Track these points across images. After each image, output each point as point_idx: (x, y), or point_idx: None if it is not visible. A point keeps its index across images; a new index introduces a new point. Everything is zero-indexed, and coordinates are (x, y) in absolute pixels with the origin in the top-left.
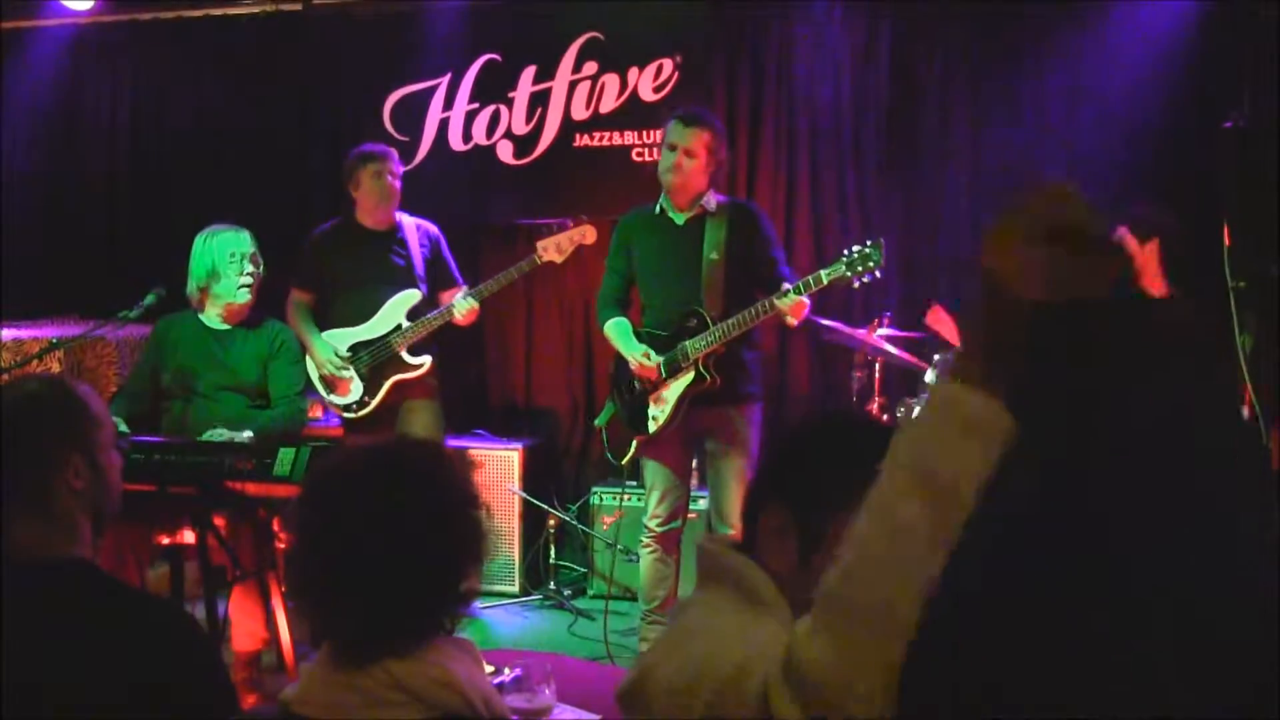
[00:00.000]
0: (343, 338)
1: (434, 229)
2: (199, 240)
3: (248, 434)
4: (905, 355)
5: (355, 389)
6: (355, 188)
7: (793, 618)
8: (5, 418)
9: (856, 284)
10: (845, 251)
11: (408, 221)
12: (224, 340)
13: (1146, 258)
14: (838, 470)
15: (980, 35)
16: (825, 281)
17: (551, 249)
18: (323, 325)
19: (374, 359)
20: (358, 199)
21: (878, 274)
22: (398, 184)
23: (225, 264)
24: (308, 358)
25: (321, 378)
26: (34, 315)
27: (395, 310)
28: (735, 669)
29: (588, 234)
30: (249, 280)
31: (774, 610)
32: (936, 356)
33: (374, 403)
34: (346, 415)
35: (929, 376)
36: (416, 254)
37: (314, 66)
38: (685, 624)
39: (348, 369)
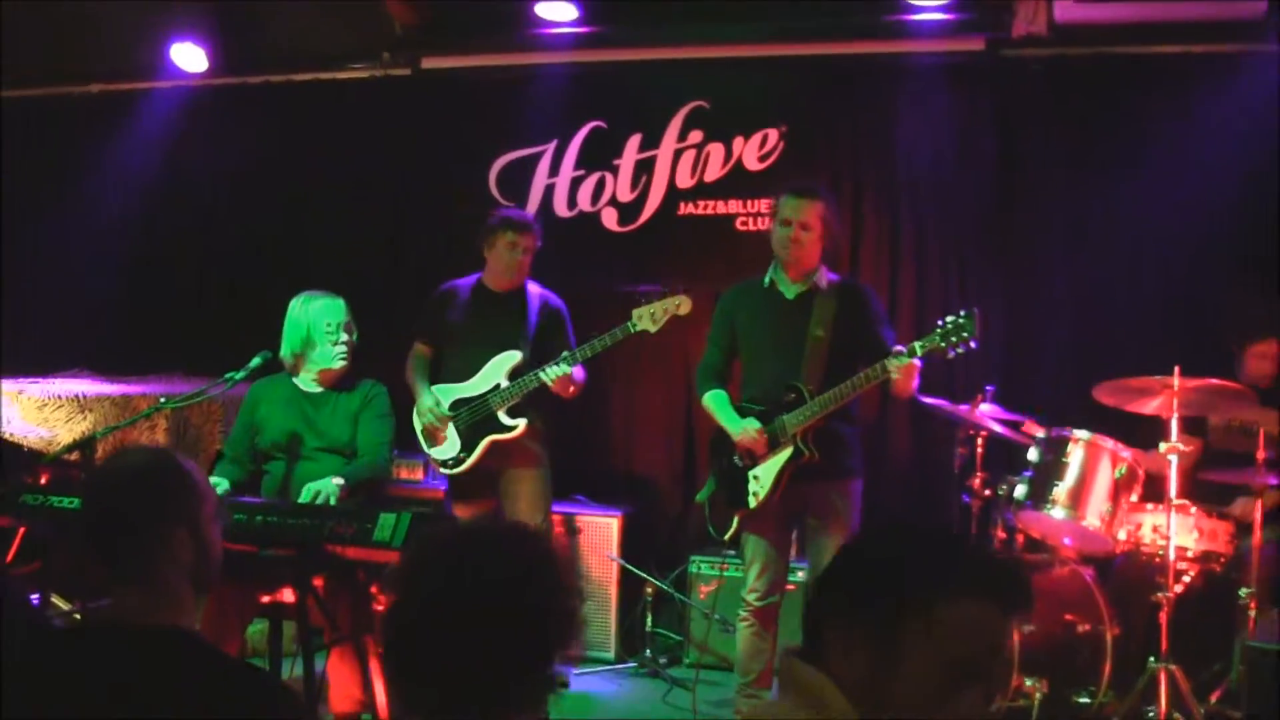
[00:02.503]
0: (447, 393)
1: (557, 300)
2: (294, 305)
3: (339, 480)
4: (1007, 431)
5: (452, 444)
6: (489, 249)
7: None
8: (115, 492)
9: (951, 354)
10: (939, 322)
11: (533, 290)
12: (318, 403)
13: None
14: (902, 586)
15: (1083, 110)
16: (920, 352)
17: (646, 318)
18: (436, 379)
19: (472, 417)
20: (489, 260)
21: (972, 345)
22: (529, 259)
23: (320, 332)
24: (414, 411)
25: (423, 428)
26: (140, 372)
27: (496, 370)
28: None
29: (683, 305)
30: (343, 350)
31: (843, 715)
32: (1039, 434)
33: (470, 460)
34: (444, 471)
35: (1032, 454)
36: (531, 320)
37: (421, 131)
38: None
39: (445, 421)
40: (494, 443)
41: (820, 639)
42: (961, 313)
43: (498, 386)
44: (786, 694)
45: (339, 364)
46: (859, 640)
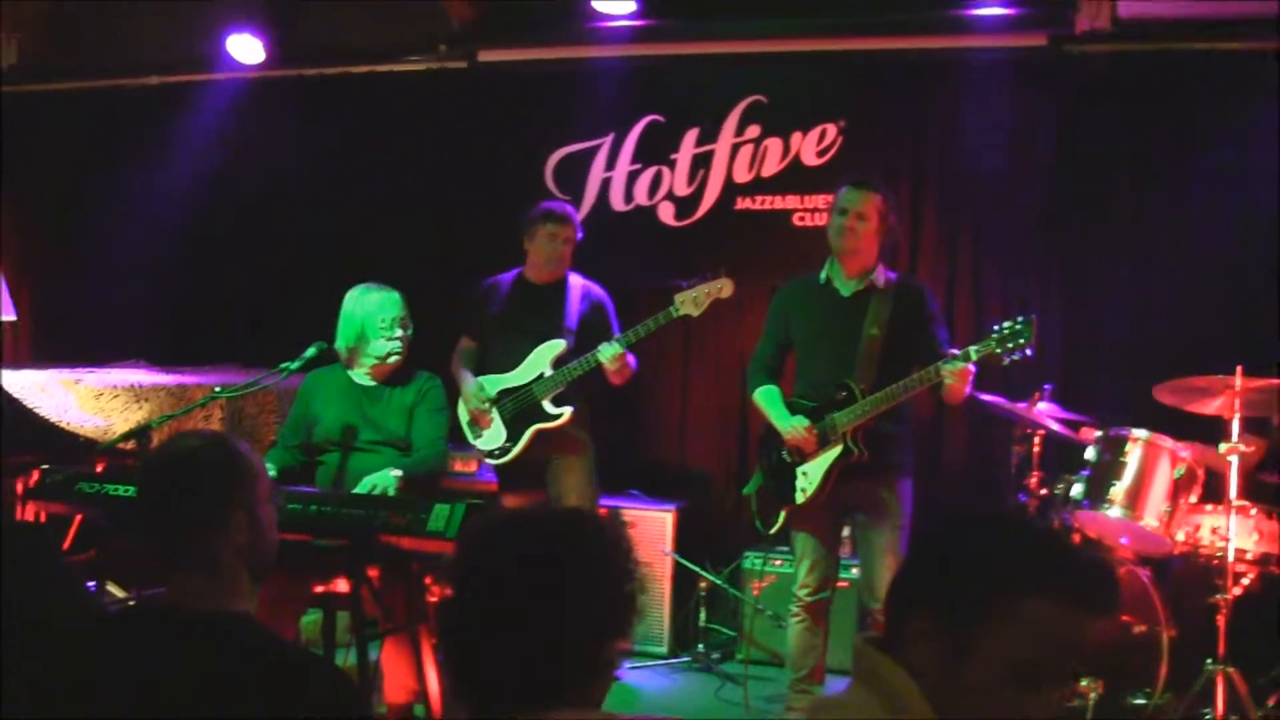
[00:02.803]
0: (492, 383)
1: (600, 291)
2: (349, 298)
3: (396, 473)
4: (1065, 430)
5: (497, 434)
6: (529, 241)
7: None
8: (173, 475)
9: (1006, 361)
10: (995, 328)
11: (575, 281)
12: (372, 396)
13: None
14: (988, 577)
15: (1145, 107)
16: (974, 358)
17: (689, 302)
18: (479, 370)
19: (517, 406)
20: (529, 253)
21: (1028, 352)
22: (569, 250)
23: (375, 327)
24: (459, 401)
25: (469, 415)
26: (195, 362)
27: (540, 359)
28: None
29: (725, 288)
30: (398, 345)
31: (917, 717)
32: (1098, 433)
33: (515, 449)
34: (490, 461)
35: (1090, 453)
36: (573, 310)
37: (477, 124)
38: None
39: (489, 405)
40: (539, 431)
41: (901, 629)
42: (1019, 319)
43: (542, 375)
44: (860, 686)
45: (393, 359)
46: (939, 631)
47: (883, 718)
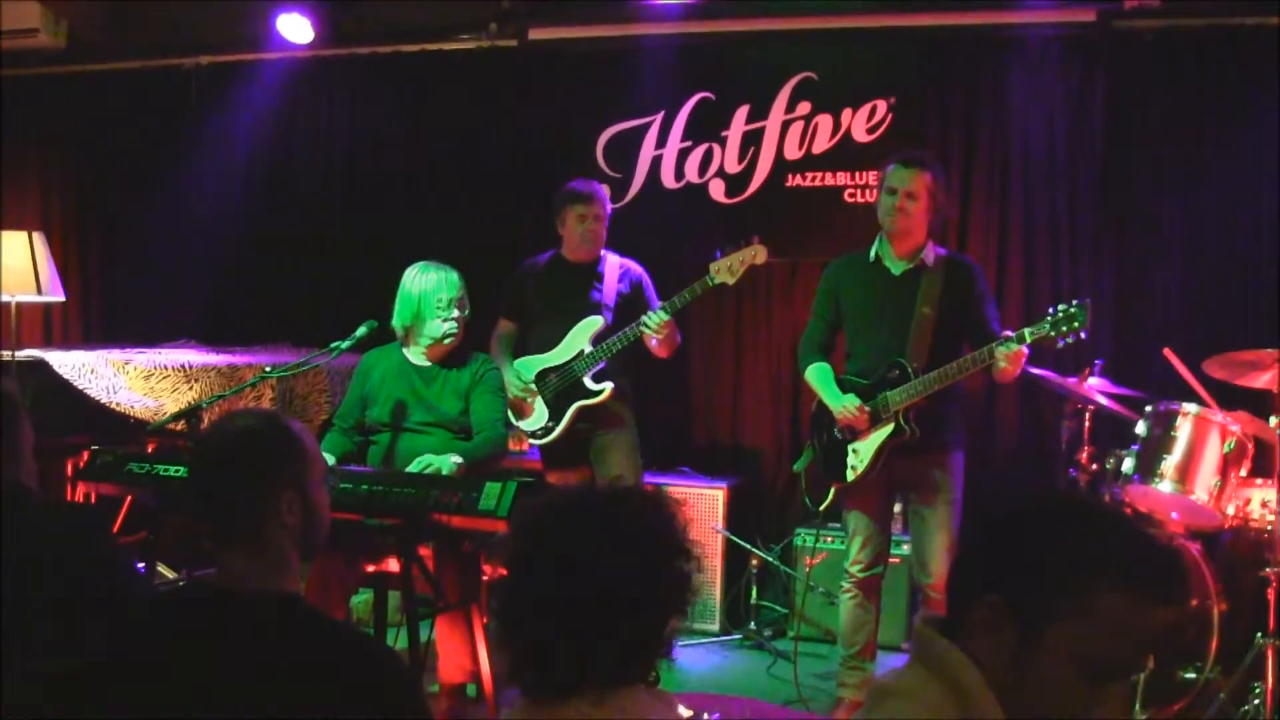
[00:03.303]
0: (532, 364)
1: (638, 269)
2: (407, 276)
3: (456, 459)
4: (1116, 405)
5: (540, 414)
6: (561, 225)
7: (1003, 716)
8: (224, 453)
9: (1060, 344)
10: (1051, 310)
11: (612, 260)
12: (427, 377)
13: None
14: (1060, 566)
15: (1196, 82)
16: (1029, 339)
17: (724, 270)
18: (521, 354)
19: (558, 385)
20: (563, 235)
21: (1083, 335)
22: (601, 227)
23: (431, 308)
24: None
25: (510, 403)
26: (246, 342)
27: (579, 336)
28: None
29: (759, 254)
30: (453, 327)
31: (981, 707)
32: (1148, 408)
33: (559, 428)
34: (534, 441)
35: (1140, 428)
36: (610, 289)
37: (528, 102)
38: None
39: (530, 393)
40: (582, 409)
41: (964, 615)
42: (1075, 302)
43: (582, 353)
44: (922, 671)
45: (448, 340)
46: (1007, 621)
47: (951, 716)
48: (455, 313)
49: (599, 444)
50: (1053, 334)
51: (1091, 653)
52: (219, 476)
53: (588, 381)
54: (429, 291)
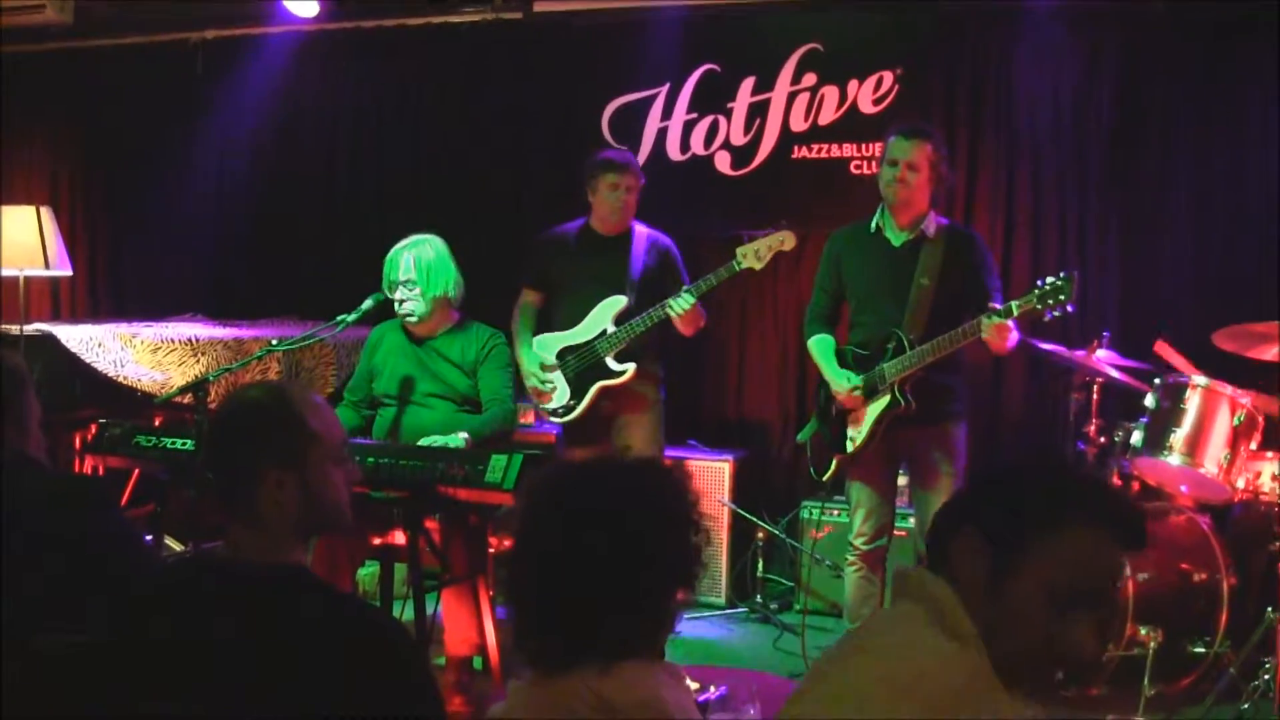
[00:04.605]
0: (553, 342)
1: (666, 240)
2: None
3: (463, 436)
4: (1124, 377)
5: (561, 392)
6: (592, 192)
7: (978, 635)
8: (220, 428)
9: (1048, 317)
10: (1038, 283)
11: (640, 231)
12: (429, 348)
13: None
14: (1041, 507)
15: (1206, 57)
16: (1015, 313)
17: (751, 255)
18: (544, 326)
19: (580, 364)
20: (593, 204)
21: (1069, 308)
22: (633, 198)
23: (392, 288)
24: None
25: (529, 389)
26: (252, 315)
27: (602, 315)
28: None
29: (786, 240)
30: (410, 306)
31: (956, 620)
32: (1157, 380)
33: (580, 408)
34: (555, 420)
35: (1149, 400)
36: (638, 262)
37: (533, 74)
38: (864, 637)
39: (550, 380)
40: (603, 389)
41: (944, 547)
42: (1061, 275)
43: (604, 332)
44: (902, 601)
45: (411, 320)
46: (983, 548)
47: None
48: (406, 293)
49: (621, 425)
50: (1039, 307)
51: (1060, 579)
52: (214, 451)
53: (610, 362)
54: (386, 273)
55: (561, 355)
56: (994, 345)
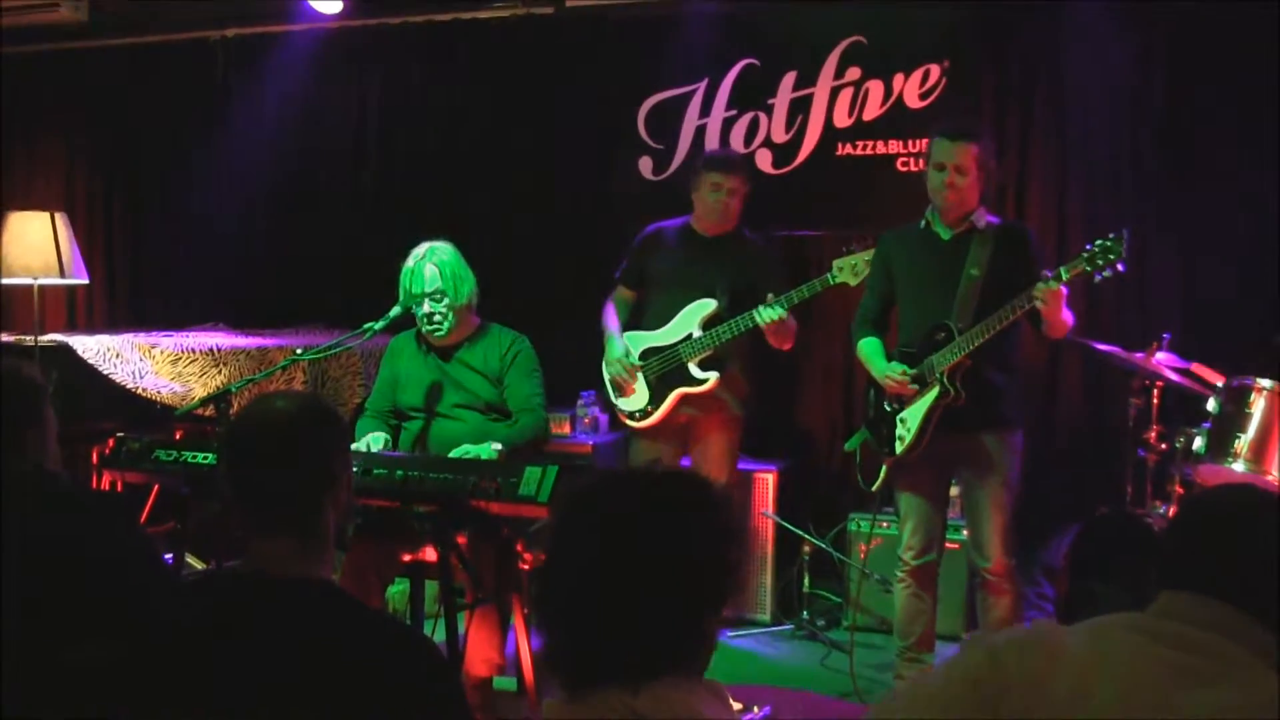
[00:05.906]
0: (640, 340)
1: (772, 250)
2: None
3: (497, 446)
4: (1186, 380)
5: (640, 395)
6: (694, 191)
7: None
8: (273, 439)
9: (1098, 278)
10: (1087, 246)
11: (746, 236)
12: (450, 357)
13: None
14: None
15: (1256, 48)
16: (1066, 277)
17: (848, 270)
18: (634, 324)
19: (662, 367)
20: (695, 203)
21: (1119, 268)
22: (735, 201)
23: (410, 302)
24: (604, 358)
25: (610, 378)
26: (276, 324)
27: (689, 319)
28: None
29: None
30: (434, 322)
31: None
32: (1220, 383)
33: (658, 414)
34: (630, 423)
35: (1211, 405)
36: (735, 267)
37: (566, 71)
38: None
39: (634, 371)
40: (683, 396)
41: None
42: (1110, 235)
43: (690, 336)
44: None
45: (437, 335)
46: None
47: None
48: (429, 306)
49: (698, 434)
50: (1089, 269)
51: None
52: (269, 463)
53: (693, 368)
54: (407, 285)
55: (645, 356)
56: (1051, 318)
